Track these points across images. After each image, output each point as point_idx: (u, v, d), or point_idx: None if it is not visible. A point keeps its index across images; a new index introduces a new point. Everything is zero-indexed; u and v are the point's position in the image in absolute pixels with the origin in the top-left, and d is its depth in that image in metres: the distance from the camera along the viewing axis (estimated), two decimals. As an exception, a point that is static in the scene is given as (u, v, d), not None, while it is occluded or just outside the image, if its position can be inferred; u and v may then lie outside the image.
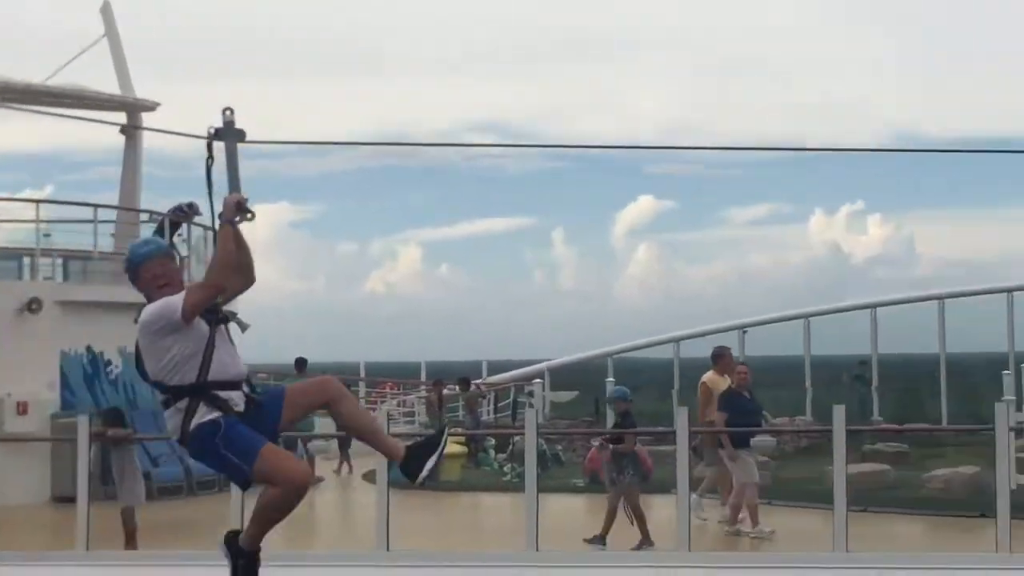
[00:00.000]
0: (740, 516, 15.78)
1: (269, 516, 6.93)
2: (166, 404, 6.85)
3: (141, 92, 25.63)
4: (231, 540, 7.11)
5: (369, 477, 18.64)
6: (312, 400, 7.06)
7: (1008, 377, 23.87)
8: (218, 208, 6.79)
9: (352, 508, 20.38)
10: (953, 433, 24.80)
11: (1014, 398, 19.85)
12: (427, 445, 7.14)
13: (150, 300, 6.80)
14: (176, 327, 6.68)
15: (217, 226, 6.77)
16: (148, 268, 6.93)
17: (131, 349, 7.24)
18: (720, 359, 16.85)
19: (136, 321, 6.77)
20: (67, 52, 25.82)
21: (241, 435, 6.75)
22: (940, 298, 28.71)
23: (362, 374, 36.50)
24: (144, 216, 23.97)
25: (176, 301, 6.70)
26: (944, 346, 28.25)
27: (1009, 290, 28.34)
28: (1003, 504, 12.49)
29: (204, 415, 6.75)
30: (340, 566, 11.41)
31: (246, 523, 7.16)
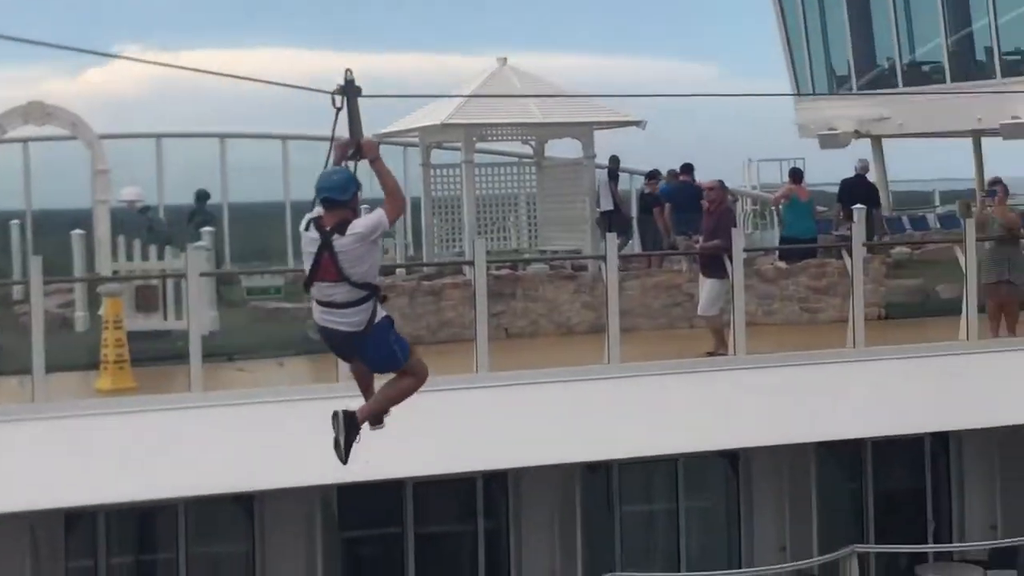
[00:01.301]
0: None
1: (397, 399, 8.48)
2: (360, 301, 8.25)
3: None
4: (348, 417, 8.29)
5: None
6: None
7: None
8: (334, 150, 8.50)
9: None
10: None
11: None
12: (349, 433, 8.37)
13: (349, 217, 8.26)
14: (380, 238, 8.36)
15: (346, 161, 8.48)
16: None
17: None
18: None
19: (331, 234, 8.14)
20: None
21: (400, 335, 8.45)
22: None
23: None
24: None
25: (382, 217, 8.27)
26: None
27: None
28: None
29: (380, 312, 8.31)
30: None
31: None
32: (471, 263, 15.69)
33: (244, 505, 15.52)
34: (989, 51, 31.64)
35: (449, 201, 21.74)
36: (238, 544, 15.91)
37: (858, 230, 16.83)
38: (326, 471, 13.62)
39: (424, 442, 14.27)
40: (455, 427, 14.34)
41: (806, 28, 34.62)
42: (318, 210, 8.55)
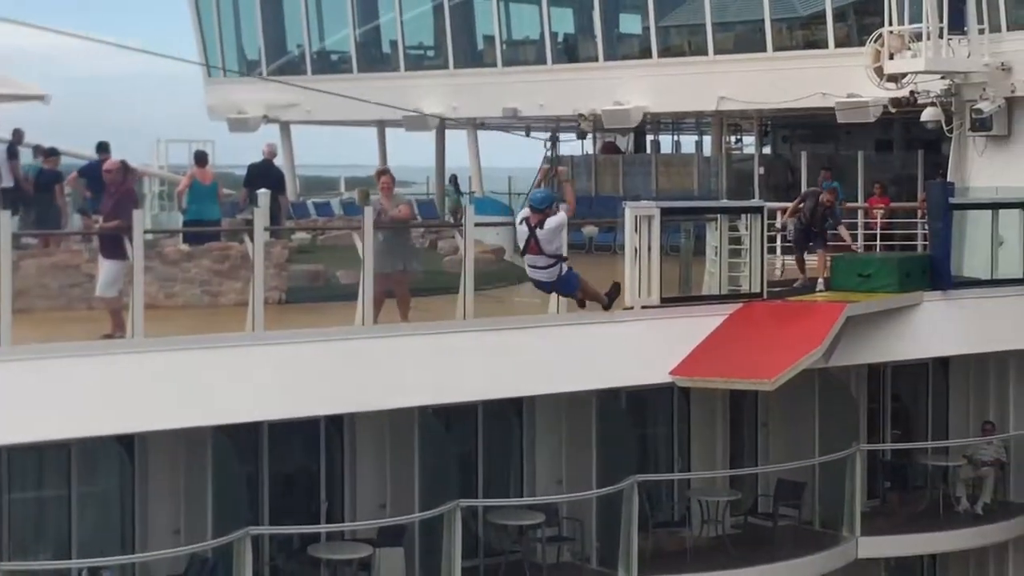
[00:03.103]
0: None
1: (593, 294, 16.99)
2: (552, 265, 16.09)
3: None
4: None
5: None
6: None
7: None
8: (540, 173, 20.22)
9: None
10: None
11: None
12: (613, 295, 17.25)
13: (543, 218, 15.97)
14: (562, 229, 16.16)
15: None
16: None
17: None
18: None
19: (539, 226, 15.96)
20: None
21: (575, 274, 16.53)
22: None
23: None
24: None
25: (564, 217, 15.96)
26: None
27: None
28: None
29: (564, 267, 16.21)
30: None
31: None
32: None
33: None
34: (394, 44, 32.92)
35: None
36: None
37: (260, 214, 16.99)
38: None
39: None
40: None
41: (218, 10, 34.65)
42: (526, 211, 15.96)
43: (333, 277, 20.25)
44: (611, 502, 18.11)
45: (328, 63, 34.47)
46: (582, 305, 17.30)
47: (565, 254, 16.29)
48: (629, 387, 19.07)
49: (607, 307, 17.33)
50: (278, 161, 26.40)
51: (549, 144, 16.56)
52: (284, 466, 17.88)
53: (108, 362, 14.77)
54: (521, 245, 16.23)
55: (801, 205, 21.49)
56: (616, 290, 17.49)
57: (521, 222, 16.06)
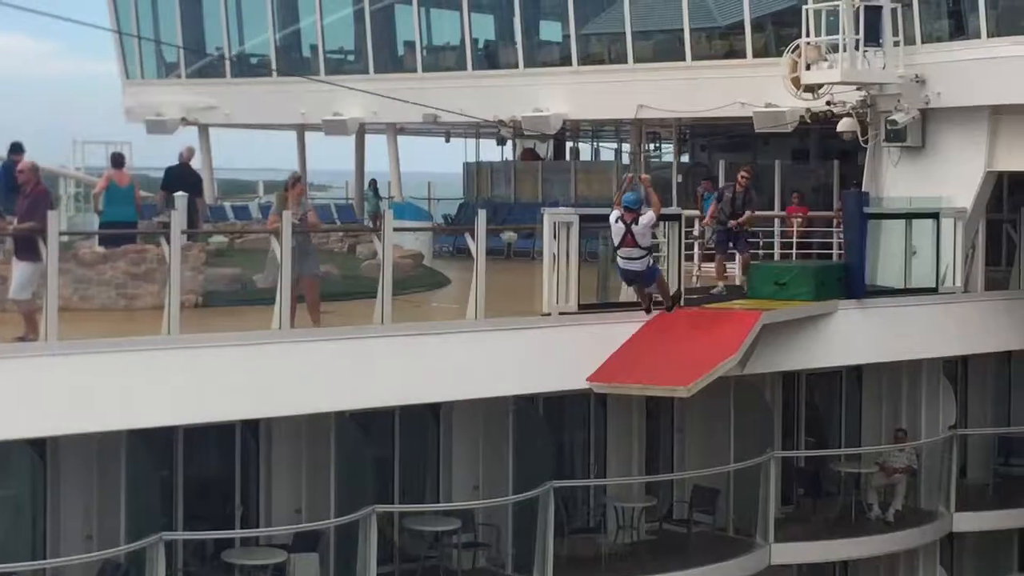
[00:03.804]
0: None
1: (664, 286, 19.13)
2: (643, 256, 18.39)
3: None
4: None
5: None
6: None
7: None
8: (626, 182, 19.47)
9: None
10: None
11: None
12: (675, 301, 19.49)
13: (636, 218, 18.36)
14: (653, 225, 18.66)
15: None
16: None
17: None
18: None
19: (634, 222, 18.31)
20: None
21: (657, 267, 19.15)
22: None
23: None
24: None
25: (653, 215, 18.40)
26: None
27: None
28: None
29: (651, 260, 18.65)
30: None
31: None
32: None
33: None
34: (315, 49, 32.78)
35: None
36: None
37: (177, 217, 16.86)
38: None
39: None
40: None
41: (137, 11, 34.33)
42: (618, 211, 18.28)
43: (250, 281, 20.13)
44: (527, 508, 18.14)
45: (247, 66, 34.28)
46: (648, 311, 19.02)
47: (649, 245, 18.52)
48: (546, 393, 19.13)
49: (669, 309, 19.14)
50: (196, 164, 26.18)
51: (632, 155, 21.56)
52: (199, 471, 17.76)
53: (21, 365, 14.61)
54: (616, 241, 18.41)
55: (718, 206, 21.71)
56: (678, 298, 19.49)
57: (616, 221, 18.33)
